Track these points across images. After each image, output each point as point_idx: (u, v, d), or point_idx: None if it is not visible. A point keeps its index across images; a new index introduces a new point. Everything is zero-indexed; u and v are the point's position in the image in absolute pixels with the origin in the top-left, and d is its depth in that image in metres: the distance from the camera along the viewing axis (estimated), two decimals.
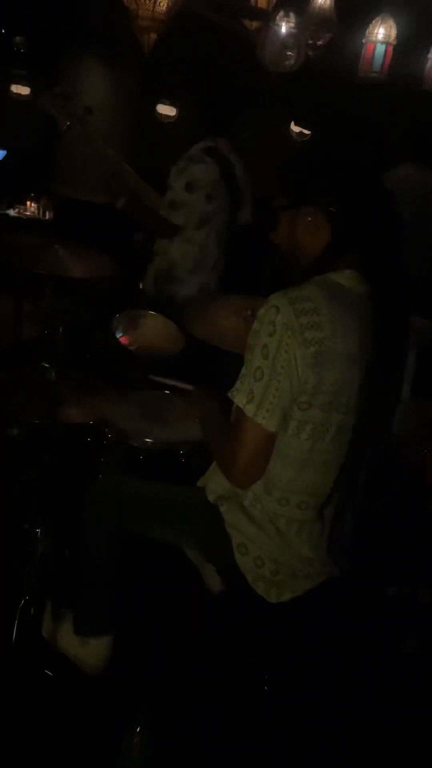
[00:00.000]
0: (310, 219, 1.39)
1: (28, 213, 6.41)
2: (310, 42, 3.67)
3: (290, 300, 1.29)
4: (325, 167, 1.42)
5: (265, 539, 1.47)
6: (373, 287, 1.37)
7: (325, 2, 3.59)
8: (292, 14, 3.63)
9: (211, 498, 1.56)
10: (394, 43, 3.58)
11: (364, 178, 1.40)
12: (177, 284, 2.88)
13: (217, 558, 1.58)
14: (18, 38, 6.56)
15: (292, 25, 3.63)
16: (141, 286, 2.99)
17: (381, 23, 3.56)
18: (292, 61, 3.69)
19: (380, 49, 3.57)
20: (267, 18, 3.62)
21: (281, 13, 3.63)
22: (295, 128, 7.99)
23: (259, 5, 3.54)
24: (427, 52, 3.70)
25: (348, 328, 1.32)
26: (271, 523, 1.46)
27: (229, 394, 1.36)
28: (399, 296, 1.37)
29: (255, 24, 3.70)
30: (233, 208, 2.93)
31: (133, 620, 1.84)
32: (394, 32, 3.57)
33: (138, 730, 1.59)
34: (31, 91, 7.20)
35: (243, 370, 1.35)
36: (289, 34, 3.63)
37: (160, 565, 1.76)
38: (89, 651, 1.74)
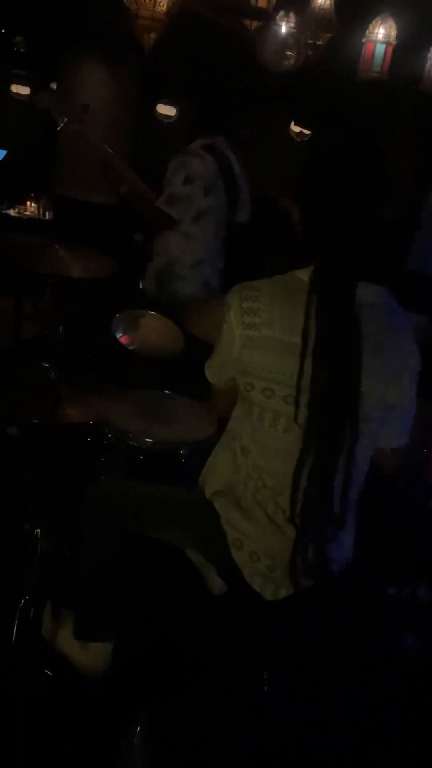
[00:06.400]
0: (297, 215, 1.48)
1: (28, 213, 6.42)
2: (310, 42, 3.67)
3: (240, 288, 1.45)
4: (303, 167, 1.45)
5: (259, 532, 1.47)
6: (316, 281, 1.38)
7: (325, 2, 3.58)
8: (292, 14, 3.63)
9: (207, 494, 1.57)
10: (394, 43, 3.58)
11: (333, 183, 1.39)
12: (178, 281, 2.88)
13: (215, 555, 1.59)
14: (18, 38, 6.57)
15: (292, 25, 3.63)
16: (141, 286, 2.99)
17: (381, 23, 3.55)
18: (291, 61, 3.69)
19: (380, 49, 3.57)
20: (267, 18, 3.62)
21: (281, 13, 3.63)
22: (295, 128, 7.99)
23: (259, 5, 3.53)
24: (427, 52, 3.70)
25: (294, 320, 1.35)
26: (259, 507, 1.47)
27: None
28: (341, 290, 1.37)
29: (255, 24, 3.70)
30: (231, 205, 2.93)
31: (132, 620, 1.84)
32: (394, 32, 3.56)
33: (138, 730, 1.59)
34: (31, 90, 7.22)
35: None
36: (289, 34, 3.63)
37: (160, 567, 1.76)
38: (89, 655, 1.74)
